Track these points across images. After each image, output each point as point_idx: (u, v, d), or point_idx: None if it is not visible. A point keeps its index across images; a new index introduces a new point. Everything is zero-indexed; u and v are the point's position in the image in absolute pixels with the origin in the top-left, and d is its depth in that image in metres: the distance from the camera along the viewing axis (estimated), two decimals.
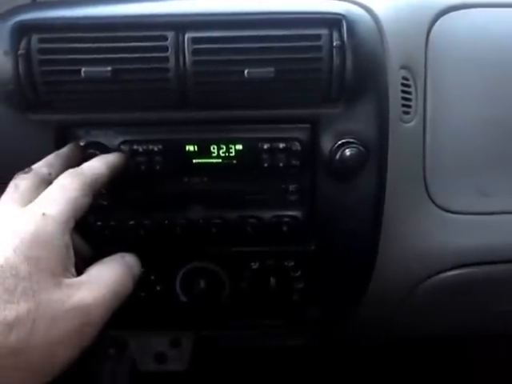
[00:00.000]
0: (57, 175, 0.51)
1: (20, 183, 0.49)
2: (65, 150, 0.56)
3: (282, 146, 0.58)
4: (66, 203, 0.46)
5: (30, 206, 0.46)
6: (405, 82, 0.62)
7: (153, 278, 0.64)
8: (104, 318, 0.44)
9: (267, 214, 0.61)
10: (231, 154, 0.59)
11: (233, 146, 0.59)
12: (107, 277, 0.46)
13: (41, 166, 0.52)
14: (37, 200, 0.46)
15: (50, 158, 0.54)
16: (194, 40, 0.55)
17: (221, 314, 0.67)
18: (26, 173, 0.50)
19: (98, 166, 0.52)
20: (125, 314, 0.61)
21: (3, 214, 0.46)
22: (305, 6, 0.58)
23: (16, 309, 0.39)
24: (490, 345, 1.10)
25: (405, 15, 0.63)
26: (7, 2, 0.59)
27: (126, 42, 0.55)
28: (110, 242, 0.60)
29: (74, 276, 0.44)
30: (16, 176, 0.50)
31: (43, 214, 0.44)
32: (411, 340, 0.97)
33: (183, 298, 0.65)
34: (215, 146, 0.59)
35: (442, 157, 0.65)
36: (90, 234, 0.59)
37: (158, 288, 0.64)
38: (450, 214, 0.66)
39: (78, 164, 0.55)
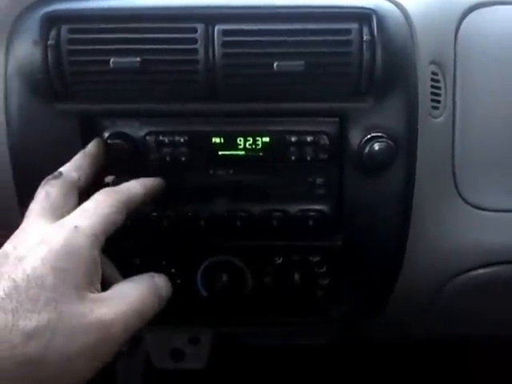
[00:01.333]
0: (86, 178, 0.52)
1: (50, 191, 0.49)
2: (91, 147, 0.56)
3: (309, 139, 0.58)
4: (98, 217, 0.46)
5: (62, 220, 0.46)
6: (434, 77, 0.61)
7: (173, 270, 0.63)
8: (124, 335, 0.44)
9: (293, 208, 0.61)
10: (258, 147, 0.59)
11: (260, 139, 0.59)
12: (131, 295, 0.46)
13: (70, 171, 0.52)
14: (71, 215, 0.47)
15: (78, 159, 0.54)
16: (224, 32, 0.54)
17: (242, 310, 0.66)
18: (55, 178, 0.51)
19: (135, 186, 0.53)
20: None
21: (35, 224, 0.46)
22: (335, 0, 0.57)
23: (37, 318, 0.39)
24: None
25: (434, 11, 0.63)
26: None
27: (155, 33, 0.55)
28: (132, 233, 0.60)
29: (98, 291, 0.44)
30: (45, 181, 0.50)
31: (75, 227, 0.44)
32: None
33: (204, 293, 0.64)
34: (242, 139, 0.59)
35: (471, 153, 0.64)
36: None
37: (179, 281, 0.63)
38: (479, 211, 0.65)
39: (106, 161, 0.56)
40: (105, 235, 0.46)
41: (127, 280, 0.49)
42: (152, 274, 0.50)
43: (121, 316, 0.43)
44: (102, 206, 0.47)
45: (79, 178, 0.52)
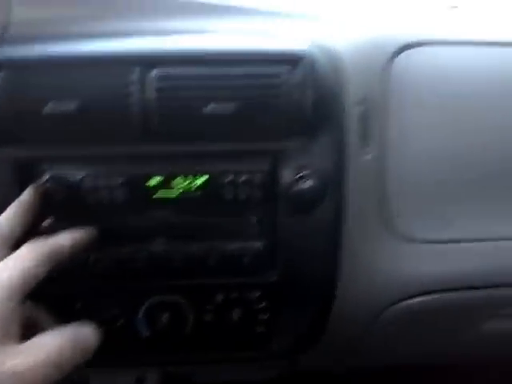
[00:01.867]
0: (22, 227, 0.54)
1: None
2: (26, 196, 0.57)
3: (244, 178, 0.60)
4: (17, 271, 0.47)
5: None
6: (363, 115, 0.64)
7: (115, 312, 0.63)
8: None
9: (230, 246, 0.62)
10: (194, 187, 0.60)
11: (195, 179, 0.60)
12: (49, 346, 0.46)
13: (2, 225, 0.53)
14: None
15: (13, 209, 0.55)
16: (158, 76, 0.56)
17: (185, 348, 0.66)
18: None
19: (62, 238, 0.54)
20: None
21: None
22: (266, 44, 0.60)
23: None
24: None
25: (364, 53, 0.65)
26: None
27: (91, 77, 0.56)
28: (71, 277, 0.60)
29: (15, 343, 0.44)
30: None
31: None
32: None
33: (146, 333, 0.64)
34: (178, 179, 0.60)
35: (402, 187, 0.67)
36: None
37: (121, 323, 0.63)
38: (411, 243, 0.68)
39: (42, 207, 0.56)
40: (24, 288, 0.47)
41: (49, 331, 0.48)
42: (78, 323, 0.50)
43: (36, 367, 0.43)
44: (22, 259, 0.48)
45: (13, 231, 0.53)
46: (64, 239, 0.54)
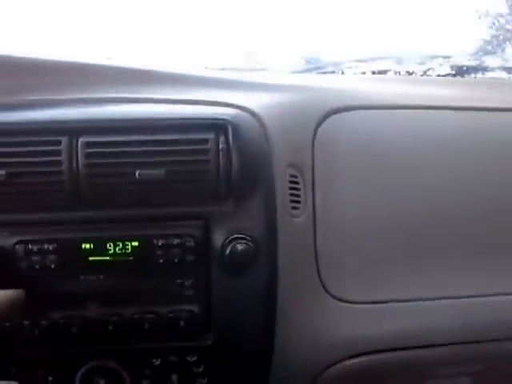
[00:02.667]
0: None
1: None
2: None
3: (176, 241, 0.60)
4: None
5: None
6: (292, 179, 0.65)
7: (50, 379, 0.63)
8: None
9: (164, 310, 0.62)
10: (127, 251, 0.61)
11: (129, 243, 0.60)
12: None
13: None
14: None
15: None
16: (87, 144, 0.57)
17: None
18: None
19: None
20: None
21: None
22: (193, 111, 0.62)
23: None
24: None
25: (290, 117, 0.68)
26: None
27: (20, 146, 0.57)
28: (4, 343, 0.60)
29: None
30: None
31: None
32: None
33: None
34: (111, 244, 0.60)
35: (333, 249, 0.68)
36: None
37: None
38: (346, 304, 0.68)
39: None
40: None
41: None
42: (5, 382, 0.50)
43: None
44: None
45: None
46: None
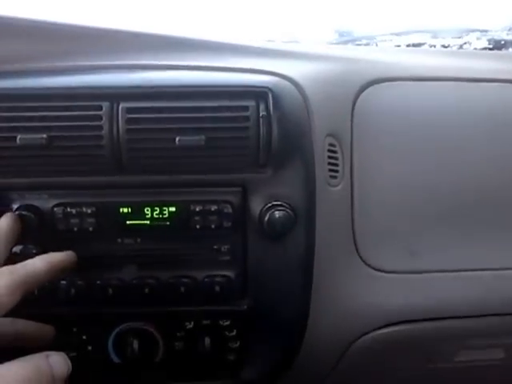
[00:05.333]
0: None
1: None
2: (1, 225, 0.57)
3: (213, 208, 0.61)
4: None
5: None
6: (331, 148, 0.65)
7: (84, 337, 0.64)
8: None
9: (200, 274, 0.63)
10: (164, 216, 0.61)
11: (166, 209, 0.61)
12: (13, 375, 0.45)
13: None
14: None
15: None
16: (128, 110, 0.57)
17: (155, 375, 0.67)
18: None
19: (35, 264, 0.53)
20: None
21: None
22: (234, 78, 0.62)
23: None
24: None
25: (330, 87, 0.67)
26: None
27: (61, 111, 0.57)
28: (41, 301, 0.61)
29: None
30: None
31: None
32: None
33: (116, 360, 0.65)
34: (149, 209, 0.61)
35: (371, 218, 0.68)
36: None
37: (90, 348, 0.64)
38: (381, 273, 0.69)
39: (18, 236, 0.57)
40: None
41: (17, 359, 0.48)
42: (48, 353, 0.50)
43: None
44: None
45: None
46: (39, 264, 0.54)
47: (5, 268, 0.51)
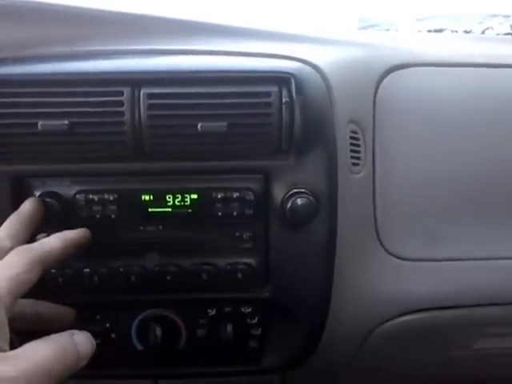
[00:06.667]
0: (20, 241, 0.54)
1: None
2: (25, 208, 0.58)
3: (235, 195, 0.61)
4: (6, 280, 0.47)
5: None
6: (353, 135, 0.65)
7: (108, 325, 0.65)
8: None
9: (222, 262, 0.63)
10: (186, 203, 0.61)
11: (188, 196, 0.61)
12: (39, 354, 0.45)
13: (2, 239, 0.53)
14: None
15: (12, 222, 0.56)
16: (149, 95, 0.57)
17: (178, 361, 0.67)
18: None
19: (51, 241, 0.54)
20: None
21: None
22: (256, 64, 0.61)
23: None
24: None
25: (353, 73, 0.66)
26: None
27: (82, 96, 0.57)
28: (64, 289, 0.61)
29: (5, 349, 0.44)
30: None
31: None
32: None
33: (139, 346, 0.65)
34: (170, 196, 0.61)
35: (392, 206, 0.67)
36: (45, 282, 0.59)
37: (114, 335, 0.65)
38: (401, 261, 0.68)
39: (40, 220, 0.57)
40: (14, 295, 0.47)
41: (42, 338, 0.48)
42: (72, 331, 0.50)
43: (24, 374, 0.43)
44: (11, 266, 0.48)
45: (13, 243, 0.53)
46: (55, 242, 0.54)
47: (22, 247, 0.51)
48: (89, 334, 0.51)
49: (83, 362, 0.49)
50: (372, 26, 0.98)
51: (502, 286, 0.71)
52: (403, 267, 0.68)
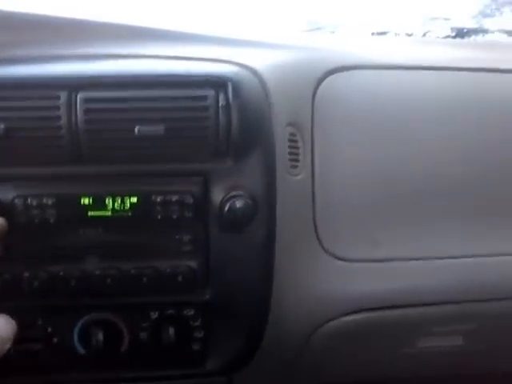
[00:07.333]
0: None
1: None
2: None
3: (175, 198, 0.61)
4: None
5: None
6: (292, 137, 0.65)
7: (49, 330, 0.64)
8: None
9: (162, 265, 0.63)
10: (126, 207, 0.61)
11: (127, 199, 0.61)
12: None
13: None
14: None
15: None
16: (86, 100, 0.57)
17: (121, 365, 0.67)
18: None
19: None
20: (18, 367, 0.62)
21: None
22: (193, 67, 0.62)
23: None
24: None
25: (292, 76, 0.67)
26: None
27: (19, 101, 0.57)
28: (3, 293, 0.61)
29: None
30: None
31: None
32: None
33: (81, 351, 0.65)
34: (110, 199, 0.61)
35: (332, 208, 0.68)
36: None
37: (55, 340, 0.64)
38: (343, 262, 0.69)
39: None
40: None
41: None
42: None
43: None
44: None
45: None
46: None
47: None
48: (6, 315, 0.52)
49: (7, 346, 0.50)
50: (319, 29, 0.99)
51: (445, 285, 0.72)
52: (345, 268, 0.69)
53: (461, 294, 0.72)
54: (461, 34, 1.00)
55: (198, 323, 0.66)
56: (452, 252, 0.72)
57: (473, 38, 1.01)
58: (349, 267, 0.69)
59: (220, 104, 0.58)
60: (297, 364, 0.74)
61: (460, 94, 0.74)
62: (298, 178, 0.66)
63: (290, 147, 0.65)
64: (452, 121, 0.72)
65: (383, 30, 0.96)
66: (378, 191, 0.70)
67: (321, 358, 0.75)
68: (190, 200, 0.61)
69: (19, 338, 0.54)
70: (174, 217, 0.61)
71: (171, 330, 0.64)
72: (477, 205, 0.72)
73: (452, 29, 1.00)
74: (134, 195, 0.61)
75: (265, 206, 0.62)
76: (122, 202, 0.61)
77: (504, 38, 1.03)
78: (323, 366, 0.77)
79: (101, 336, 0.64)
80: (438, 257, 0.71)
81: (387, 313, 0.71)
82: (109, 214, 0.61)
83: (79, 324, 0.64)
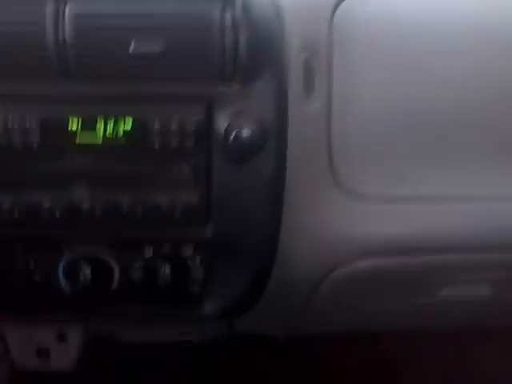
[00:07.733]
0: None
1: None
2: None
3: (174, 125, 0.55)
4: None
5: None
6: (307, 63, 0.59)
7: (31, 266, 0.59)
8: None
9: (159, 197, 0.57)
10: (119, 133, 0.55)
11: (121, 124, 0.55)
12: None
13: None
14: None
15: None
16: (75, 15, 0.51)
17: (110, 304, 0.63)
18: None
19: None
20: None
21: None
22: None
23: None
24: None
25: None
26: None
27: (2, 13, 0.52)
28: None
29: None
30: None
31: None
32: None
33: (67, 288, 0.60)
34: (101, 123, 0.55)
35: (350, 142, 0.62)
36: None
37: (38, 277, 0.60)
38: (359, 201, 0.63)
39: None
40: None
41: None
42: None
43: None
44: None
45: None
46: None
47: None
48: None
49: None
50: None
51: (469, 230, 0.66)
52: (362, 207, 0.63)
53: (489, 239, 0.66)
54: None
55: (197, 263, 0.61)
56: (479, 192, 0.65)
57: None
58: (366, 206, 0.63)
59: (226, 20, 0.52)
60: (305, 310, 0.69)
61: (486, 23, 0.67)
62: (314, 107, 0.60)
63: (304, 73, 0.59)
64: (477, 50, 0.65)
65: None
66: (400, 125, 0.63)
67: (330, 306, 0.70)
68: (191, 127, 0.55)
69: None
70: (174, 145, 0.55)
71: (167, 270, 0.60)
72: (507, 143, 0.66)
73: None
74: (128, 120, 0.54)
75: (274, 135, 0.56)
76: (115, 126, 0.55)
77: None
78: (331, 316, 0.73)
79: (88, 272, 0.59)
80: (464, 197, 0.65)
81: (406, 259, 0.66)
82: (100, 139, 0.55)
83: (64, 260, 0.59)
